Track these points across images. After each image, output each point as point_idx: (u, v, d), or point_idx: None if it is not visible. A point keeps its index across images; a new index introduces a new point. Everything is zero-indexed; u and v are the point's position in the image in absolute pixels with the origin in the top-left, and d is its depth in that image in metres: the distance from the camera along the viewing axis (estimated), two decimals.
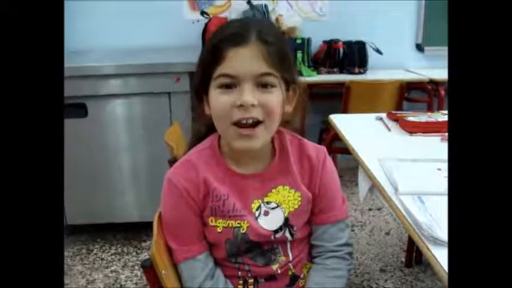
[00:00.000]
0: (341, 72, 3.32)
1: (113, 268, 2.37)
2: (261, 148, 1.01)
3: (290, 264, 1.11)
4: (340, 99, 3.07)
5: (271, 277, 1.10)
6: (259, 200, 1.05)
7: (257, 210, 1.05)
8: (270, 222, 1.05)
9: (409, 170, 1.34)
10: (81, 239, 2.66)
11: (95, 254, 2.51)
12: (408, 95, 3.31)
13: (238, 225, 1.03)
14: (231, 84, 0.94)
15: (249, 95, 0.92)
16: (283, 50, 0.98)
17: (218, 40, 0.95)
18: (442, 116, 1.86)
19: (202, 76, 0.99)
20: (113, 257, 2.48)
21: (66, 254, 2.51)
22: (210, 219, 1.04)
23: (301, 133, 2.62)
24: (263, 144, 0.99)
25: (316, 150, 1.10)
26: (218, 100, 0.95)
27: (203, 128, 1.11)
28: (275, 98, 0.96)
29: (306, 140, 1.11)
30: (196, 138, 1.12)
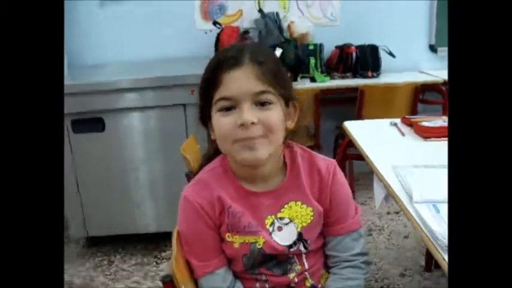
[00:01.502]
0: (354, 76, 3.31)
1: (134, 279, 2.41)
2: (269, 166, 1.05)
3: (306, 273, 1.12)
4: (354, 103, 3.07)
5: (289, 287, 1.12)
6: (273, 216, 1.07)
7: (271, 226, 1.07)
8: (283, 237, 1.07)
9: (424, 177, 1.34)
10: (102, 251, 2.70)
11: (116, 265, 2.55)
12: (423, 97, 3.29)
13: (255, 240, 1.06)
14: (231, 106, 0.97)
15: (248, 113, 0.95)
16: (277, 68, 1.02)
17: (214, 66, 1.00)
18: None
19: (203, 103, 1.03)
20: (134, 267, 2.52)
21: (88, 265, 2.55)
22: (227, 235, 1.06)
23: (316, 139, 2.62)
24: (268, 156, 1.00)
25: (326, 163, 1.11)
26: (220, 123, 0.98)
27: (212, 150, 1.14)
28: (275, 114, 0.99)
29: (316, 154, 1.13)
30: (207, 158, 1.15)
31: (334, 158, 2.77)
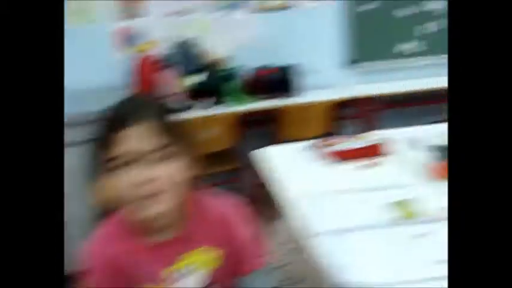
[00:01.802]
0: (273, 97, 3.35)
1: None
2: (170, 216, 1.03)
3: None
4: (275, 124, 3.13)
5: None
6: (177, 265, 1.07)
7: (175, 274, 1.06)
8: (190, 285, 1.07)
9: (331, 205, 1.39)
10: None
11: None
12: (342, 113, 3.39)
13: None
14: (128, 162, 0.94)
15: (147, 170, 0.94)
16: (175, 120, 1.01)
17: (108, 124, 0.97)
18: (368, 139, 1.93)
19: (100, 160, 0.99)
20: None
21: None
22: None
23: (238, 162, 2.58)
24: (169, 208, 0.99)
25: (228, 205, 1.13)
26: (118, 180, 0.95)
27: (110, 203, 1.12)
28: (176, 167, 0.97)
29: (219, 196, 1.13)
30: (106, 211, 1.13)
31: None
